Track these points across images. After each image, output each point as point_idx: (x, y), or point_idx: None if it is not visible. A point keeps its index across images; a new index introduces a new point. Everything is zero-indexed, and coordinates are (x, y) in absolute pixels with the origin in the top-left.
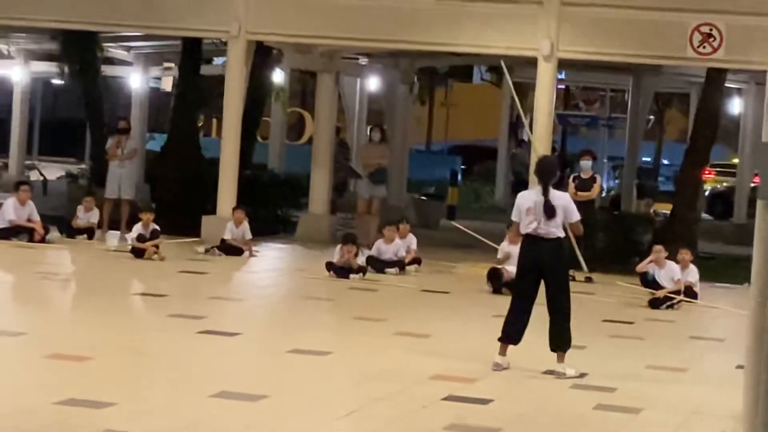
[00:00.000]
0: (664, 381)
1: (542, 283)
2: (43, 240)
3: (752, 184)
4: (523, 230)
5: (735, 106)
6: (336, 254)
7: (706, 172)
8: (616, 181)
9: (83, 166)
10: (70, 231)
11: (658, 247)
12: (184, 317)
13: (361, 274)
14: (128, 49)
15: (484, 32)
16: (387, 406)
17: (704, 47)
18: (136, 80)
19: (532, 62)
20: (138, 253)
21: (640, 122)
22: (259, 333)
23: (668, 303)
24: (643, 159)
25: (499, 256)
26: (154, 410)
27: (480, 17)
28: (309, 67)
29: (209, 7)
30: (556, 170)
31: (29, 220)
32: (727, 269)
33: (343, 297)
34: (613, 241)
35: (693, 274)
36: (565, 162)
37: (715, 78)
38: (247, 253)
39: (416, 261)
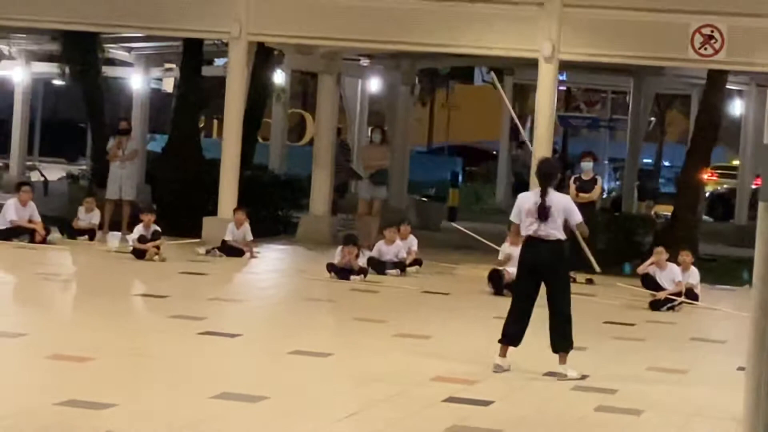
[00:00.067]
0: (665, 383)
1: (542, 284)
2: (44, 241)
3: (753, 186)
4: (524, 232)
5: (736, 107)
6: (337, 255)
7: (709, 174)
8: (617, 183)
9: (83, 167)
10: (71, 232)
11: (659, 249)
12: (185, 318)
13: (362, 275)
14: (129, 50)
15: (485, 34)
16: (387, 407)
17: (705, 49)
18: (137, 81)
19: (533, 64)
20: (139, 254)
21: (641, 124)
22: (259, 334)
23: (669, 305)
24: (644, 160)
25: (500, 258)
26: (154, 411)
27: (481, 19)
28: (310, 68)
29: (210, 8)
30: (557, 172)
31: (30, 221)
32: (728, 271)
33: (343, 298)
34: (614, 243)
35: (694, 275)
36: (566, 163)
37: (717, 80)
38: (247, 254)
39: (417, 262)
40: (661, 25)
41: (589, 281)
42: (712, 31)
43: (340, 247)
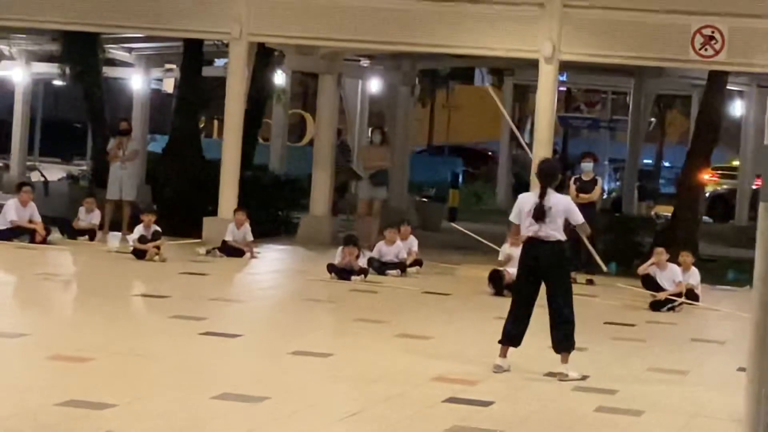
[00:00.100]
0: (665, 383)
1: (542, 285)
2: (44, 241)
3: (754, 187)
4: (524, 233)
5: (736, 108)
6: (337, 256)
7: (710, 174)
8: (618, 184)
9: (81, 167)
10: (71, 232)
11: (659, 250)
12: (186, 318)
13: (362, 275)
14: (130, 50)
15: (486, 34)
16: (388, 407)
17: (706, 50)
18: (137, 82)
19: (533, 64)
20: (139, 254)
21: (642, 124)
22: (260, 334)
23: (669, 305)
24: (645, 161)
25: (500, 258)
26: (155, 412)
27: (481, 19)
28: (310, 69)
29: (211, 8)
30: (558, 173)
31: (31, 221)
32: (728, 272)
33: (344, 299)
34: (615, 244)
35: (694, 276)
36: (566, 164)
37: (717, 80)
38: (248, 254)
39: (417, 263)
40: (661, 26)
41: (590, 282)
42: (713, 32)
43: (340, 248)
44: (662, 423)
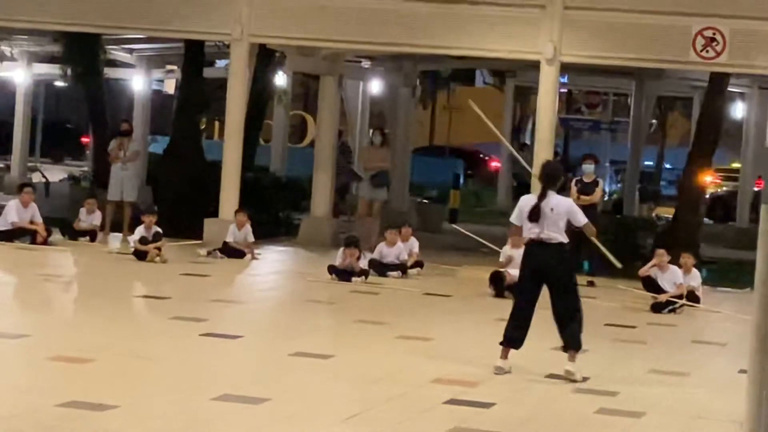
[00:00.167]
0: (666, 385)
1: (544, 287)
2: (45, 242)
3: (755, 188)
4: (526, 235)
5: (738, 110)
6: (338, 257)
7: (713, 176)
8: (619, 185)
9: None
10: (72, 233)
11: (660, 251)
12: (186, 320)
13: (363, 277)
14: (131, 51)
15: (487, 36)
16: (389, 409)
17: (707, 51)
18: (138, 83)
19: (534, 66)
20: (140, 255)
21: (643, 126)
22: (261, 336)
23: (670, 307)
24: (646, 163)
25: (501, 260)
26: (155, 413)
27: (483, 21)
28: (311, 70)
29: (212, 9)
30: (560, 176)
31: (32, 222)
32: (729, 274)
33: (345, 300)
34: (615, 245)
35: (695, 278)
36: (567, 166)
37: (718, 82)
38: (249, 255)
39: (418, 264)
40: (662, 28)
41: (590, 283)
42: (714, 34)
43: (341, 249)
44: (663, 425)
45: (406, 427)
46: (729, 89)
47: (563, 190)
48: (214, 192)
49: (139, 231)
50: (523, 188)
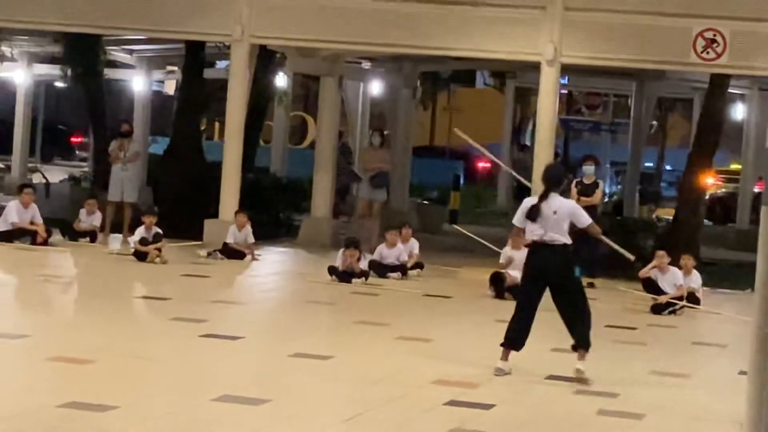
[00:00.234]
0: (666, 387)
1: (546, 289)
2: (45, 243)
3: (756, 189)
4: (529, 237)
5: (738, 111)
6: (338, 258)
7: (715, 178)
8: (619, 187)
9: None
10: (72, 234)
11: (660, 253)
12: (187, 321)
13: (363, 278)
14: (131, 52)
15: (488, 37)
16: (389, 410)
17: (708, 53)
18: (138, 83)
19: (535, 67)
20: (140, 256)
21: (643, 127)
22: (261, 337)
23: (671, 309)
24: (646, 164)
25: (501, 261)
26: (156, 414)
27: (483, 22)
28: (312, 71)
29: (212, 10)
30: (563, 179)
31: (32, 223)
32: (729, 275)
33: (345, 301)
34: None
35: (696, 279)
36: (568, 167)
37: (719, 83)
38: (249, 256)
39: (418, 265)
40: (663, 29)
41: (591, 285)
42: (715, 35)
43: (341, 250)
44: (663, 426)
45: (406, 428)
46: (729, 90)
47: (563, 192)
48: (215, 193)
49: (140, 232)
50: (524, 189)
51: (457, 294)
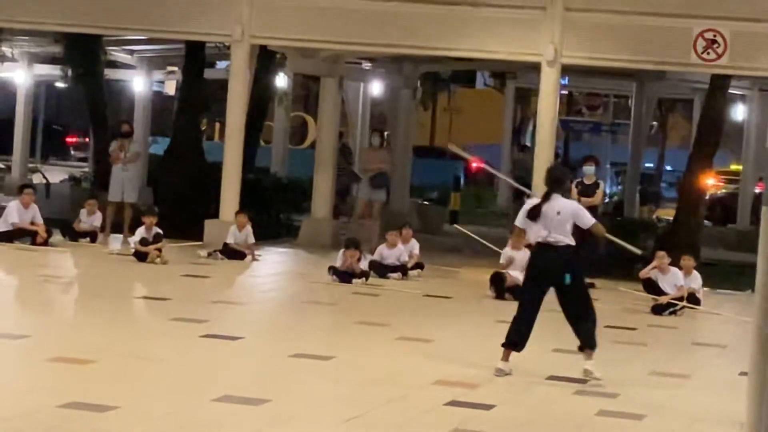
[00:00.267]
0: (666, 387)
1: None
2: (45, 243)
3: (757, 190)
4: (533, 239)
5: (738, 112)
6: (339, 259)
7: (715, 179)
8: (619, 187)
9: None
10: (72, 234)
11: (661, 253)
12: (187, 321)
13: (363, 278)
14: (131, 52)
15: (488, 38)
16: (389, 410)
17: (708, 53)
18: (139, 84)
19: (535, 67)
20: (141, 256)
21: (644, 128)
22: (261, 337)
23: (671, 309)
24: (646, 165)
25: (501, 261)
26: (156, 414)
27: (483, 23)
28: (312, 72)
29: (213, 10)
30: (566, 181)
31: (32, 223)
32: (729, 276)
33: (345, 301)
34: (616, 247)
35: (696, 280)
36: (568, 168)
37: (719, 84)
38: (249, 257)
39: (419, 266)
40: (663, 30)
41: (591, 285)
42: (715, 36)
43: (342, 251)
44: (663, 427)
45: (406, 429)
46: (730, 91)
47: (564, 193)
48: (215, 193)
49: (140, 232)
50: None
51: (458, 294)
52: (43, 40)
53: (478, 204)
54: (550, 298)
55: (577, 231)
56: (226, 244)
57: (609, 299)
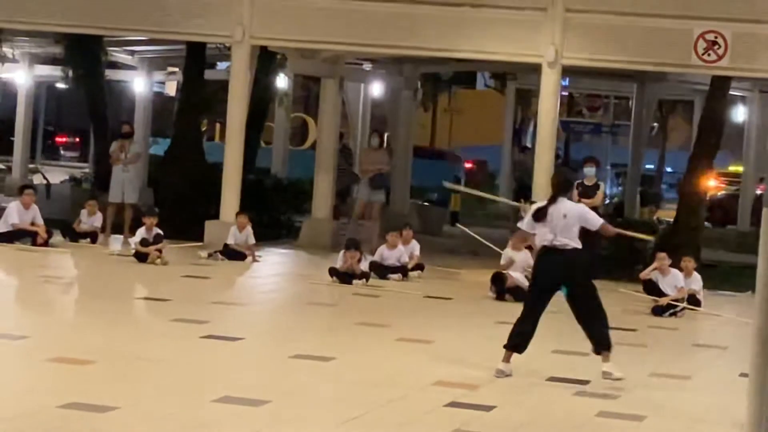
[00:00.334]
0: (667, 388)
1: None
2: (46, 244)
3: (758, 191)
4: (540, 242)
5: (739, 113)
6: (339, 260)
7: (716, 180)
8: (620, 189)
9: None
10: (73, 235)
11: (661, 255)
12: (187, 322)
13: (364, 279)
14: (132, 53)
15: (488, 39)
16: (389, 412)
17: (709, 55)
18: (140, 84)
19: (536, 69)
20: (141, 257)
21: (644, 129)
22: (262, 338)
23: (671, 311)
24: (647, 166)
25: (502, 262)
26: (156, 415)
27: (484, 24)
28: (313, 73)
29: (213, 11)
30: (572, 184)
31: (33, 224)
32: (730, 277)
33: (346, 302)
34: (616, 249)
35: (696, 281)
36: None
37: (720, 86)
38: (250, 258)
39: (419, 267)
40: (664, 31)
41: None
42: (716, 37)
43: (342, 252)
44: (664, 428)
45: (406, 430)
46: (730, 92)
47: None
48: (215, 194)
49: (140, 233)
50: (526, 190)
51: (458, 295)
52: (44, 40)
53: (479, 205)
54: (552, 299)
55: (579, 232)
56: (226, 245)
57: (609, 300)
